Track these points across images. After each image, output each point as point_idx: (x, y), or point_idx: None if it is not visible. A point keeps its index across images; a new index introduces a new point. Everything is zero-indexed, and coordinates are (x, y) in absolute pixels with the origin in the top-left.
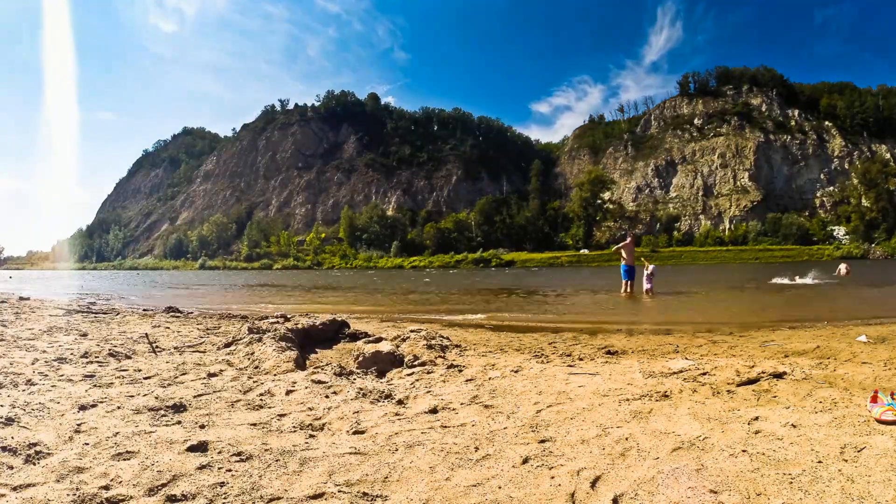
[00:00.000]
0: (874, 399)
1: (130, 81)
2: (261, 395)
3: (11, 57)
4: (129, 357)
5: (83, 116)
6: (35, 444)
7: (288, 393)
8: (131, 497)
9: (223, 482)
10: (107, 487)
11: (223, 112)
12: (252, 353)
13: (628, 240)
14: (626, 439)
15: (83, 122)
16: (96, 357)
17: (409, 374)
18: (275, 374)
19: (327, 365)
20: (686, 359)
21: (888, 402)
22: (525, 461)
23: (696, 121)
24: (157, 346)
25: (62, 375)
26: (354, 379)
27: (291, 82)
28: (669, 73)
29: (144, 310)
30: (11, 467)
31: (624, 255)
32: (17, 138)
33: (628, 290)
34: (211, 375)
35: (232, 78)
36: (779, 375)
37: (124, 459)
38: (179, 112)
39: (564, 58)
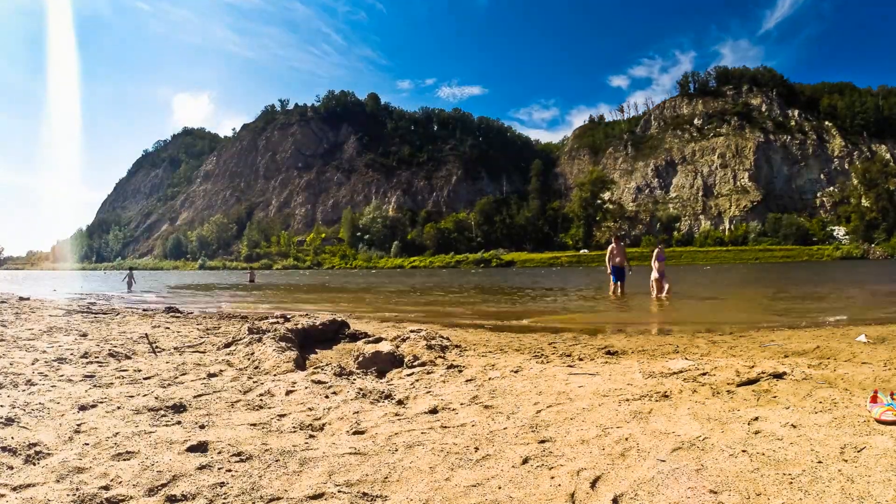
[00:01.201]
0: (874, 399)
1: (127, 41)
2: (261, 395)
3: (12, 41)
4: (129, 357)
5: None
6: (35, 445)
7: (288, 393)
8: (131, 497)
9: (223, 482)
10: (107, 487)
11: (243, 77)
12: (252, 354)
13: (613, 243)
14: (626, 439)
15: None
16: (96, 357)
17: (409, 375)
18: (275, 375)
19: (327, 365)
20: (686, 359)
21: (888, 402)
22: (525, 461)
23: (696, 121)
24: (156, 347)
25: (62, 376)
26: (354, 379)
27: (331, 34)
28: (777, 43)
29: (144, 310)
30: (11, 467)
31: (613, 256)
32: (18, 132)
33: (618, 290)
34: (211, 376)
35: (252, 27)
36: (779, 375)
37: (124, 459)
38: (183, 83)
39: (662, 15)
